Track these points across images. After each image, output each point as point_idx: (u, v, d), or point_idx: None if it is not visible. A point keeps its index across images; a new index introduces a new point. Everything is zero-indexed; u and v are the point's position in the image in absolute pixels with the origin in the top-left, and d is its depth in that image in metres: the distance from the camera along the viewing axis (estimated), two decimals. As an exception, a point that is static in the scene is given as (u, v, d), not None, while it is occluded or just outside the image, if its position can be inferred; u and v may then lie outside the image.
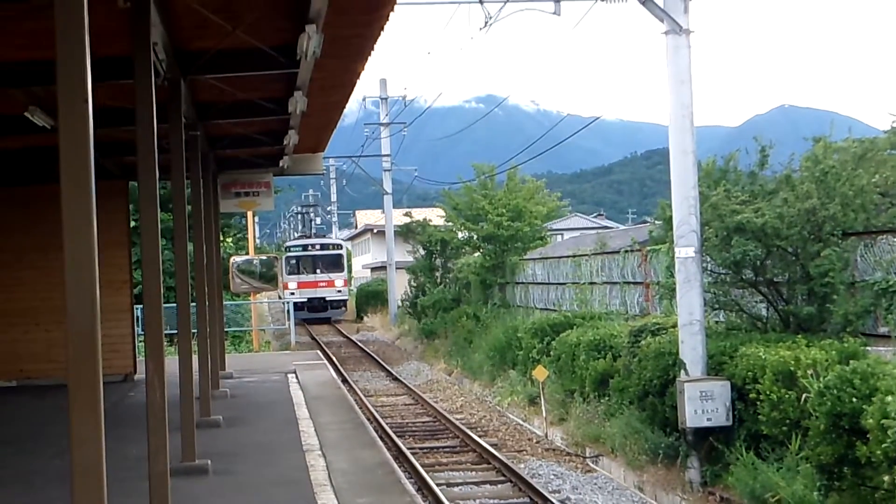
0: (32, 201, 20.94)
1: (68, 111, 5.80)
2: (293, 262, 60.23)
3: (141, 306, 23.61)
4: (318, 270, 59.93)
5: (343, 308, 62.27)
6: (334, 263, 60.65)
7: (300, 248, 61.79)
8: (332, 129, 19.18)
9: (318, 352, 33.59)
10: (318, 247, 61.81)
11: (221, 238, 31.31)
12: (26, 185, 20.94)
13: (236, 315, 40.99)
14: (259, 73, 12.79)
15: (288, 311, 45.16)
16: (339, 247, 63.58)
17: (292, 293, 57.37)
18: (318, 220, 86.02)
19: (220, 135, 17.84)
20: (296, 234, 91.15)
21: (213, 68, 12.29)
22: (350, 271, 75.43)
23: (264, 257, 39.33)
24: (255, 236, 48.02)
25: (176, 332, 13.59)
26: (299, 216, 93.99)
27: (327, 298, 59.99)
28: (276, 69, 12.29)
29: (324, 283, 59.69)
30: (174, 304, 12.80)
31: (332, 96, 15.19)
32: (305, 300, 58.02)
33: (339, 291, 60.68)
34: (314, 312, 59.12)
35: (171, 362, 9.98)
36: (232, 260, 35.16)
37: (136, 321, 23.94)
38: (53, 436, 14.77)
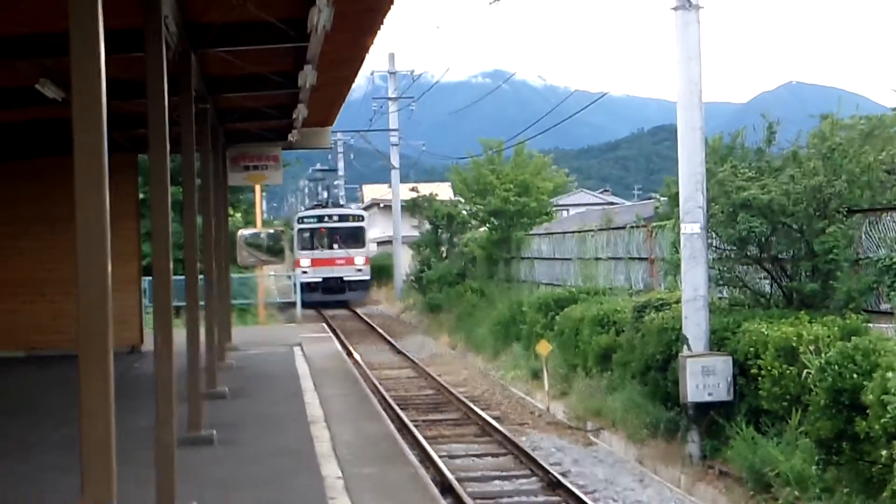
0: (41, 173, 21.02)
1: (81, 84, 5.87)
2: (306, 235, 52.28)
3: (148, 278, 23.78)
4: (335, 245, 51.85)
5: (364, 291, 53.30)
6: (354, 237, 52.29)
7: (314, 220, 53.19)
8: (340, 103, 19.25)
9: (324, 325, 33.73)
10: (335, 217, 53.32)
11: (231, 212, 31.41)
12: (35, 157, 21.02)
13: (243, 288, 41.10)
14: (269, 47, 12.86)
15: (294, 283, 44.16)
16: (360, 218, 54.40)
17: (305, 271, 49.60)
18: (325, 194, 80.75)
19: (229, 108, 17.90)
20: (304, 207, 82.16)
21: (224, 41, 12.36)
22: None
23: (272, 231, 39.46)
24: (262, 210, 47.96)
25: (183, 304, 13.69)
26: (312, 183, 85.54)
27: (345, 278, 51.34)
28: (285, 43, 12.36)
29: (341, 261, 51.32)
30: (182, 277, 12.91)
31: (341, 70, 15.25)
32: (320, 280, 50.36)
33: (360, 270, 51.79)
34: (330, 294, 50.78)
35: (178, 334, 10.08)
36: (240, 233, 35.26)
37: (143, 293, 24.05)
38: (59, 406, 14.90)
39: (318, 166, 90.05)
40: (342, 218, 53.52)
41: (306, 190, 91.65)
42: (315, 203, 64.38)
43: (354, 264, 51.50)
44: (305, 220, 53.63)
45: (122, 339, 21.38)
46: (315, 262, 50.98)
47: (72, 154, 5.86)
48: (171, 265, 9.45)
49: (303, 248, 51.80)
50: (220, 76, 14.92)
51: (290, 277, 46.97)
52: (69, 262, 5.95)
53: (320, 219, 53.07)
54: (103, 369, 6.00)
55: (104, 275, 5.97)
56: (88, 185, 5.85)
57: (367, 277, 52.89)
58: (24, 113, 16.99)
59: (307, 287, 47.02)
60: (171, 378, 9.24)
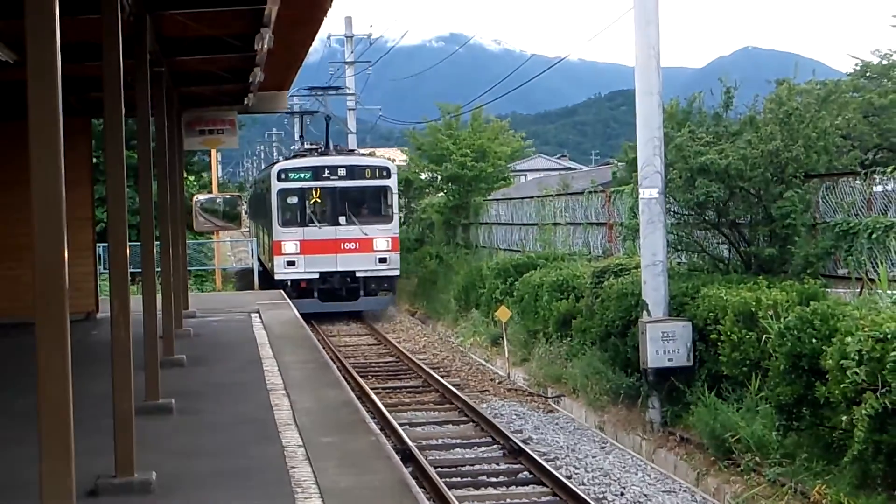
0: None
1: (36, 46, 5.72)
2: (292, 201, 32.72)
3: (104, 244, 23.49)
4: (341, 218, 32.24)
5: (389, 293, 33.75)
6: (375, 205, 33.12)
7: (307, 174, 32.75)
8: (297, 66, 19.06)
9: (281, 291, 33.55)
10: (341, 171, 32.73)
11: (185, 176, 31.06)
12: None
13: (199, 254, 40.85)
14: (225, 9, 12.66)
15: (256, 265, 36.56)
16: (385, 172, 33.35)
17: (290, 262, 31.99)
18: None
19: (184, 71, 17.65)
20: (284, 155, 56.98)
21: (179, 3, 12.14)
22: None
23: (228, 196, 39.02)
24: (217, 175, 47.33)
25: (139, 271, 13.53)
26: (299, 118, 51.58)
27: (359, 274, 32.13)
28: (242, 5, 12.17)
29: (353, 245, 32.06)
30: (137, 243, 12.74)
31: (298, 33, 15.07)
32: (316, 276, 31.95)
33: (384, 260, 32.36)
34: (332, 300, 32.28)
35: (135, 301, 9.92)
36: (195, 199, 34.92)
37: (98, 259, 23.79)
38: (16, 374, 14.71)
39: (274, 130, 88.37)
40: (355, 172, 32.96)
41: (299, 119, 61.80)
42: (307, 147, 39.27)
43: (374, 250, 32.31)
44: (291, 175, 32.94)
45: (77, 306, 20.98)
46: (307, 247, 32.08)
47: (24, 118, 5.73)
48: (127, 231, 9.31)
49: (286, 224, 32.41)
50: (175, 38, 14.67)
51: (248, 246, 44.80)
52: (23, 228, 5.83)
53: (317, 173, 32.77)
54: (60, 337, 5.91)
55: (60, 241, 5.87)
56: (43, 150, 5.71)
57: (395, 271, 33.15)
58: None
59: (294, 288, 31.49)
60: (129, 345, 9.10)
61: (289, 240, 31.96)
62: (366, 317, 33.00)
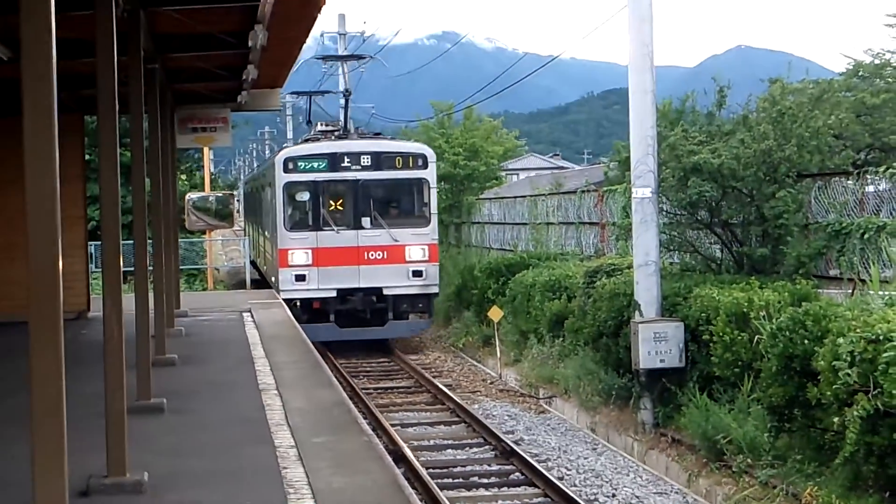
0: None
1: (31, 42, 5.68)
2: (302, 198, 26.43)
3: (95, 243, 23.43)
4: (364, 220, 25.86)
5: (425, 316, 26.91)
6: (407, 202, 26.99)
7: (322, 163, 26.21)
8: (290, 64, 19.04)
9: (274, 290, 33.47)
10: (365, 159, 26.14)
11: (184, 175, 30.91)
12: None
13: (191, 253, 40.75)
14: (219, 6, 12.65)
15: (249, 268, 35.11)
16: (421, 161, 26.58)
17: (300, 276, 25.63)
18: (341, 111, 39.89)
19: (177, 68, 17.62)
20: (290, 142, 51.15)
21: (173, -1, 12.15)
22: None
23: (220, 194, 38.84)
24: (210, 173, 47.14)
25: (131, 269, 13.49)
26: (306, 99, 41.84)
27: (387, 291, 25.76)
28: (236, 1, 12.16)
29: (379, 253, 25.67)
30: (129, 242, 12.71)
31: (291, 30, 15.05)
32: (332, 295, 25.63)
33: (419, 274, 25.86)
34: (353, 325, 25.89)
35: (126, 300, 9.89)
36: (187, 197, 34.83)
37: (89, 258, 23.72)
38: (7, 374, 14.66)
39: (267, 129, 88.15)
40: (382, 160, 26.35)
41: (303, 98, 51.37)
42: (321, 130, 30.72)
43: (407, 261, 25.85)
44: (301, 164, 26.38)
45: (69, 305, 20.77)
46: (321, 258, 25.71)
47: (17, 115, 5.70)
48: (120, 230, 9.26)
49: (294, 227, 26.21)
50: (168, 35, 14.64)
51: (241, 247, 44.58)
52: (15, 227, 5.80)
53: (334, 162, 26.14)
54: (54, 336, 5.88)
55: (54, 239, 5.85)
56: (38, 148, 5.68)
57: (434, 289, 26.57)
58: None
59: (305, 309, 25.45)
60: (121, 344, 9.05)
61: (298, 248, 25.72)
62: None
